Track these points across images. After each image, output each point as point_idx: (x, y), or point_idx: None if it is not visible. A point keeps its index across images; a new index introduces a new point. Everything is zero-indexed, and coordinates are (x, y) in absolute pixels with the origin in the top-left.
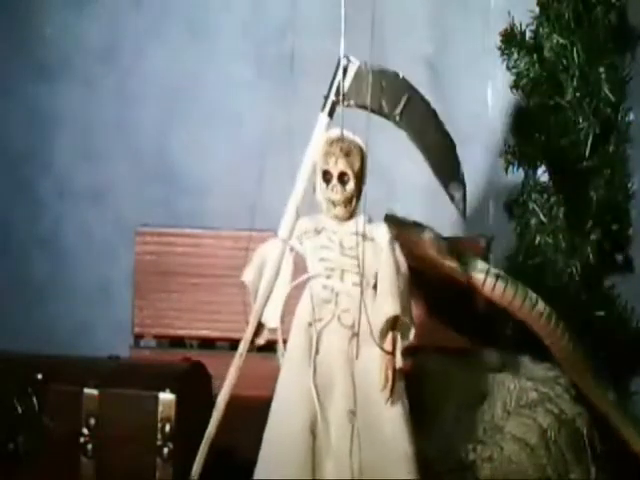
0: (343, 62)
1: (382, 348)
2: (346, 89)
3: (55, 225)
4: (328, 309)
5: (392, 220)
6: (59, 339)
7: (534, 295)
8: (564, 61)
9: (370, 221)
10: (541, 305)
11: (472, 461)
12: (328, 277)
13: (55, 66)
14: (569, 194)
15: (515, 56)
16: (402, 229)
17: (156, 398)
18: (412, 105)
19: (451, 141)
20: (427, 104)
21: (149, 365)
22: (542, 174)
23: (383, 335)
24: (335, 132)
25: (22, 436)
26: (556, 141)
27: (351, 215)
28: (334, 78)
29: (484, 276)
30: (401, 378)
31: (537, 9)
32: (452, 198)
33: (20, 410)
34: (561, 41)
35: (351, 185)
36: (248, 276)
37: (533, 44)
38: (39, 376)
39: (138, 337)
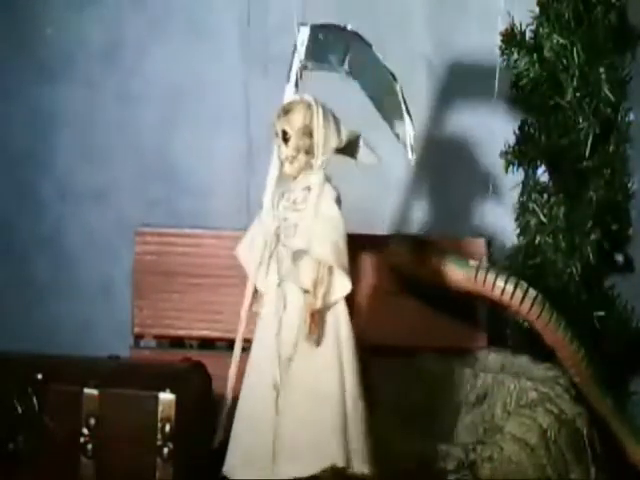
0: (300, 29)
1: (303, 289)
2: (303, 55)
3: (56, 225)
4: (286, 267)
5: (398, 241)
6: (59, 339)
7: (525, 283)
8: (564, 61)
9: (324, 175)
10: (532, 292)
11: (472, 461)
12: (286, 236)
13: (56, 66)
14: (569, 194)
15: (515, 56)
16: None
17: (156, 398)
18: (356, 53)
19: (394, 78)
20: (368, 46)
21: (149, 365)
22: (542, 174)
23: (305, 278)
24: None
25: (22, 436)
26: (556, 141)
27: (300, 171)
28: (294, 48)
29: (474, 272)
30: (323, 321)
31: (537, 9)
32: (397, 137)
33: (20, 410)
34: (561, 41)
35: (294, 141)
36: (241, 250)
37: (533, 44)
38: (39, 376)
39: (138, 337)
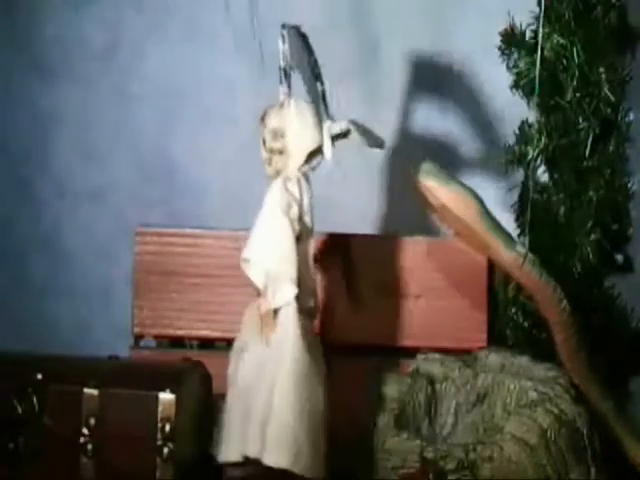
0: (282, 32)
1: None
2: (289, 57)
3: (55, 225)
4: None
5: (432, 172)
6: (59, 339)
7: (561, 291)
8: (564, 61)
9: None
10: (565, 302)
11: (472, 461)
12: None
13: (55, 66)
14: (569, 194)
15: (515, 56)
16: (441, 182)
17: (156, 398)
18: (300, 51)
19: (318, 79)
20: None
21: (149, 365)
22: (542, 174)
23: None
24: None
25: (22, 436)
26: (556, 141)
27: (278, 172)
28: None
29: (522, 259)
30: (273, 323)
31: (537, 9)
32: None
33: (20, 410)
34: (561, 41)
35: (268, 143)
36: None
37: (533, 44)
38: (39, 376)
39: (138, 337)
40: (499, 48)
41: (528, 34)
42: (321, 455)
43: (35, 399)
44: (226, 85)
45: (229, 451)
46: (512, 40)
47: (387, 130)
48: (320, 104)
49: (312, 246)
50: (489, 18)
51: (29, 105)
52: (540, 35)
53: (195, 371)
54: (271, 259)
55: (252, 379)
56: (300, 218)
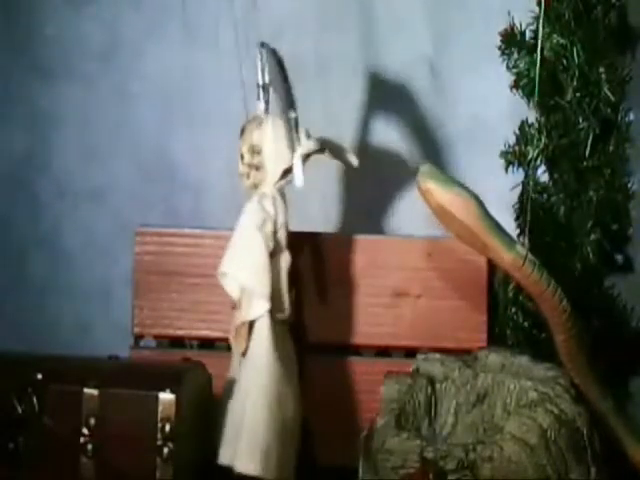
0: (260, 50)
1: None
2: (263, 75)
3: (55, 225)
4: None
5: (432, 174)
6: (59, 339)
7: (561, 292)
8: (564, 61)
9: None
10: (565, 303)
11: (472, 461)
12: None
13: (54, 65)
14: (569, 194)
15: (515, 56)
16: (440, 184)
17: (156, 398)
18: (275, 74)
19: (291, 106)
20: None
21: (149, 365)
22: (542, 174)
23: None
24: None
25: (22, 436)
26: (556, 141)
27: (256, 186)
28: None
29: (522, 261)
30: (244, 336)
31: (537, 9)
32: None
33: (20, 410)
34: (561, 41)
35: (245, 159)
36: None
37: (533, 44)
38: (39, 376)
39: (138, 337)
40: (499, 48)
41: (528, 34)
42: (292, 460)
43: (35, 399)
44: (225, 85)
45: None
46: (512, 40)
47: (385, 129)
48: (292, 132)
49: (287, 260)
50: (489, 18)
51: (28, 105)
52: (540, 36)
53: (195, 371)
54: (245, 274)
55: (230, 389)
56: (274, 234)
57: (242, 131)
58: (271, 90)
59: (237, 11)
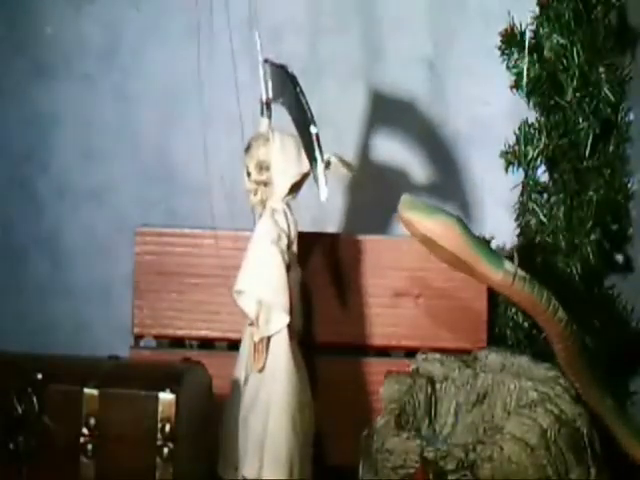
0: (264, 66)
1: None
2: (267, 90)
3: (54, 225)
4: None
5: (411, 204)
6: (59, 339)
7: (556, 302)
8: (564, 61)
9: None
10: (561, 313)
11: (472, 461)
12: None
13: (55, 65)
14: (569, 194)
15: (515, 56)
16: (421, 214)
17: (156, 398)
18: (289, 92)
19: (312, 121)
20: (295, 85)
21: (149, 365)
22: (542, 174)
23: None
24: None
25: (22, 436)
26: (556, 141)
27: (263, 202)
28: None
29: (511, 278)
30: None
31: (537, 9)
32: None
33: (20, 410)
34: (561, 41)
35: (253, 176)
36: None
37: (533, 44)
38: (39, 376)
39: (138, 337)
40: (499, 48)
41: (528, 34)
42: (310, 466)
43: (35, 399)
44: (225, 85)
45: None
46: (512, 40)
47: (385, 134)
48: (315, 146)
49: (299, 273)
50: (489, 18)
51: (28, 105)
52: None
53: (195, 371)
54: (264, 289)
55: (249, 405)
56: (288, 248)
57: (248, 148)
58: (274, 106)
59: (237, 12)
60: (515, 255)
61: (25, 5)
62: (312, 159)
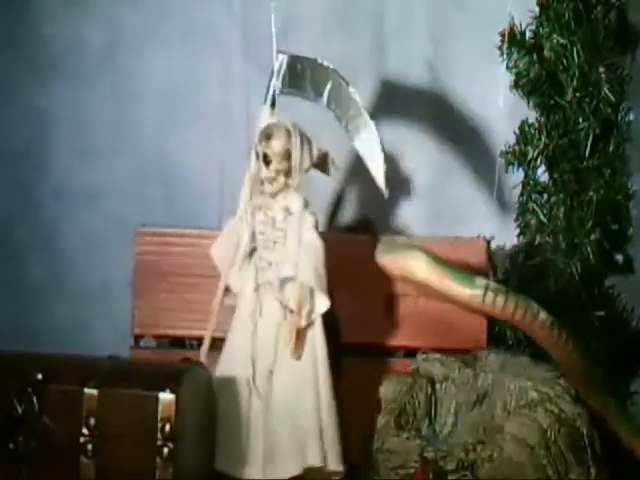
0: (278, 56)
1: (285, 306)
2: (281, 80)
3: (54, 225)
4: (264, 277)
5: (385, 247)
6: (59, 339)
7: (535, 305)
8: (564, 61)
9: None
10: (543, 315)
11: (472, 461)
12: (265, 248)
13: (54, 65)
14: (569, 194)
15: (515, 56)
16: (392, 255)
17: (156, 398)
18: (335, 88)
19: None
20: (346, 84)
21: (149, 365)
22: (542, 174)
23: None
24: (271, 120)
25: (22, 436)
26: (556, 141)
27: (279, 191)
28: (272, 72)
29: (483, 292)
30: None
31: (537, 9)
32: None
33: (20, 410)
34: (561, 41)
35: (274, 165)
36: (215, 250)
37: (533, 44)
38: (39, 376)
39: (138, 337)
40: (499, 48)
41: (528, 34)
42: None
43: (35, 399)
44: (225, 85)
45: (285, 467)
46: (512, 40)
47: (387, 133)
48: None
49: None
50: (489, 18)
51: (27, 105)
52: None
53: (195, 371)
54: (315, 277)
55: (292, 399)
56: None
57: (268, 136)
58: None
59: (241, 12)
60: (491, 273)
61: (24, 5)
62: (373, 153)
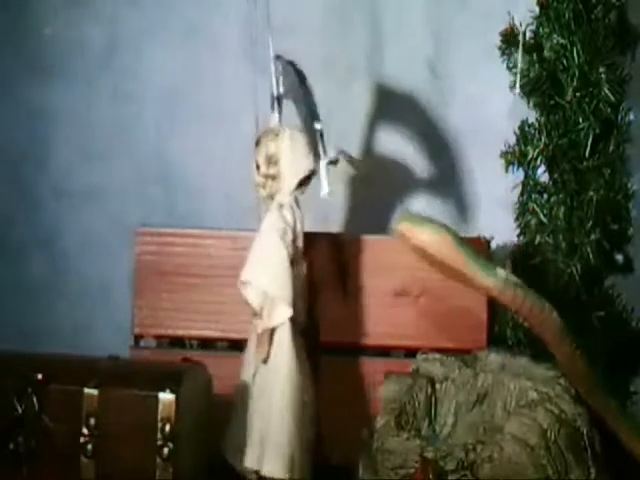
0: (275, 63)
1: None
2: (283, 86)
3: (54, 225)
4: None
5: (406, 216)
6: (59, 339)
7: (549, 305)
8: (564, 61)
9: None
10: (556, 316)
11: (472, 461)
12: None
13: (54, 65)
14: (569, 194)
15: (515, 56)
16: (414, 225)
17: (156, 398)
18: (297, 88)
19: (316, 117)
20: (303, 82)
21: (149, 365)
22: (542, 174)
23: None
24: (274, 125)
25: (22, 436)
26: (556, 141)
27: (272, 196)
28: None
29: (503, 284)
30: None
31: (537, 9)
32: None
33: (20, 410)
34: (561, 41)
35: (263, 169)
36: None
37: (533, 44)
38: (39, 376)
39: (138, 337)
40: (499, 48)
41: (528, 34)
42: (310, 462)
43: (35, 399)
44: (225, 85)
45: (245, 460)
46: (512, 40)
47: (388, 132)
48: (319, 142)
49: (304, 268)
50: (489, 18)
51: (27, 105)
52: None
53: (195, 371)
54: (268, 281)
55: (248, 394)
56: (293, 242)
57: (257, 142)
58: (286, 101)
59: (241, 12)
60: (508, 263)
61: (23, 5)
62: (315, 154)
